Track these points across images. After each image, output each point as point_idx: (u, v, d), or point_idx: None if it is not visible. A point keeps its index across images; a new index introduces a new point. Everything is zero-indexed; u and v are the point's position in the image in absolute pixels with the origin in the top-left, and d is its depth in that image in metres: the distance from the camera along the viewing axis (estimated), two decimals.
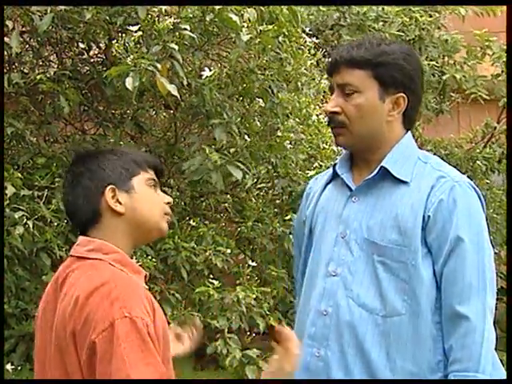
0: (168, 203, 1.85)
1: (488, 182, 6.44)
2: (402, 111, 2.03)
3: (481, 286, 1.94)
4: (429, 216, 1.95)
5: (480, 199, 2.02)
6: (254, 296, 3.92)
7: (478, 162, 6.39)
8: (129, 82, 3.09)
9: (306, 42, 3.97)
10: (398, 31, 5.25)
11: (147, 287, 1.81)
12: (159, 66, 3.17)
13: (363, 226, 2.00)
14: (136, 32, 3.19)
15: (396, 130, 2.05)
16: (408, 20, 5.37)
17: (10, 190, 3.35)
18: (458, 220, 1.93)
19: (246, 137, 3.92)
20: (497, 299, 6.95)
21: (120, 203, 1.76)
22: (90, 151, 1.90)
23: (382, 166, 2.00)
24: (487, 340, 1.92)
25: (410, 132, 2.09)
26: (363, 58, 1.98)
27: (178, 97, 3.34)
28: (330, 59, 2.11)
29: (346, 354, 1.99)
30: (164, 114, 4.72)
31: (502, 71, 5.56)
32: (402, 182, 2.00)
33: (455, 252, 1.93)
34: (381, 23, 5.15)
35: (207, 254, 4.04)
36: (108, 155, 1.82)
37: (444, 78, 5.39)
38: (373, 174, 2.02)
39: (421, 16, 5.45)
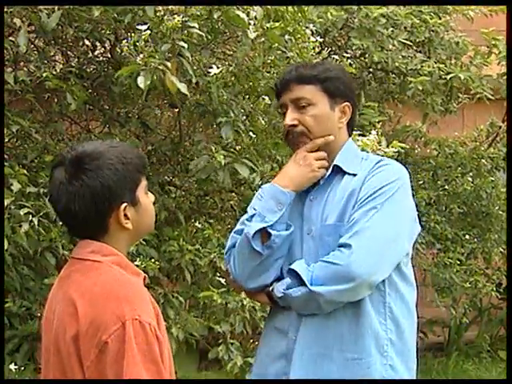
0: (154, 203, 1.91)
1: (493, 179, 6.43)
2: (348, 118, 2.29)
3: (371, 231, 2.08)
4: (359, 194, 2.17)
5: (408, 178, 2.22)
6: None
7: (482, 160, 6.37)
8: (141, 81, 3.14)
9: (309, 39, 3.96)
10: (407, 32, 5.23)
11: (150, 289, 1.82)
12: (169, 64, 3.20)
13: (320, 219, 2.21)
14: (145, 31, 3.20)
15: (344, 136, 2.32)
16: (418, 22, 5.34)
17: (15, 186, 3.36)
18: (370, 182, 2.16)
19: (252, 134, 3.93)
20: (501, 299, 6.92)
21: (128, 218, 1.78)
22: (89, 153, 1.76)
23: (335, 165, 2.25)
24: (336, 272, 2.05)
25: (350, 137, 2.36)
26: (311, 74, 2.26)
27: (188, 95, 3.36)
28: (278, 81, 2.36)
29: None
30: (169, 113, 4.72)
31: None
32: (351, 175, 2.23)
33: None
34: (390, 29, 5.11)
35: (212, 256, 4.04)
36: (115, 162, 1.76)
37: (448, 77, 5.34)
38: (328, 173, 2.26)
39: (431, 18, 5.42)
